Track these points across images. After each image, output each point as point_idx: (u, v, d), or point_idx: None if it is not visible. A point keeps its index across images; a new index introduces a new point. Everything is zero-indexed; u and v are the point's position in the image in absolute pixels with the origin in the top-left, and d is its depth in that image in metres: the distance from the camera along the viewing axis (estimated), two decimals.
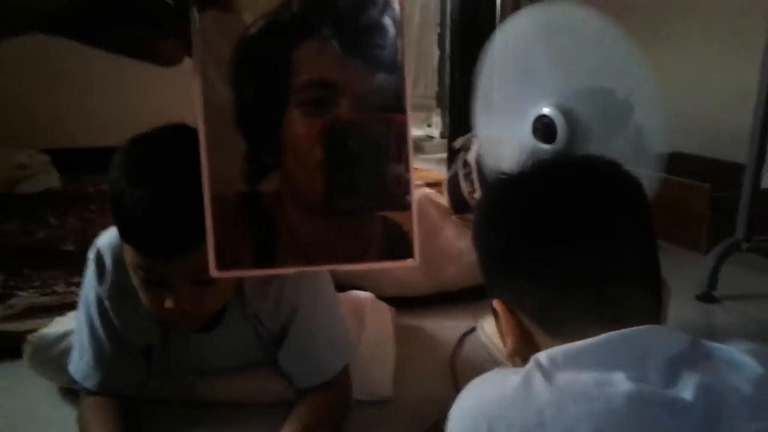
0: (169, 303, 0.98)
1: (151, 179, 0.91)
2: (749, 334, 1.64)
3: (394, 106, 0.59)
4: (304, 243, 0.60)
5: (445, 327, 1.64)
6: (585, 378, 0.59)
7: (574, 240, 0.68)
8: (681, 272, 1.97)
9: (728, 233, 1.87)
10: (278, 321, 1.18)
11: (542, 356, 0.63)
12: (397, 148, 0.59)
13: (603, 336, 0.62)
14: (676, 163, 2.64)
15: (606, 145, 1.39)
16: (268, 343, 1.22)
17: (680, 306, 1.78)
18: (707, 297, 1.83)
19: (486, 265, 0.77)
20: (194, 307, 1.02)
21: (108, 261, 1.11)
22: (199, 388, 1.26)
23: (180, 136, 0.90)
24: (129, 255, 0.99)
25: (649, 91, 1.40)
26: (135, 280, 1.02)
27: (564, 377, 0.60)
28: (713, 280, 1.83)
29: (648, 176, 1.40)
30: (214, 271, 0.58)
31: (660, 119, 1.42)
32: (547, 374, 0.61)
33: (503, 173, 0.77)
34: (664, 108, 1.44)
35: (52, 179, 2.99)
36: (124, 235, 0.97)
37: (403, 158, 0.59)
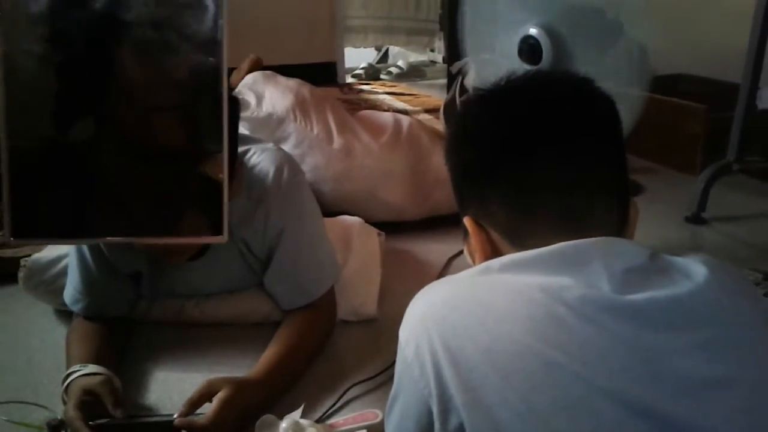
0: None
1: None
2: (736, 256, 1.65)
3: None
4: (123, 198, 0.60)
5: (433, 250, 1.66)
6: (530, 282, 0.60)
7: (542, 153, 0.69)
8: (673, 194, 1.98)
9: (724, 156, 1.86)
10: (265, 245, 1.21)
11: (494, 262, 0.64)
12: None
13: (557, 245, 0.63)
14: (676, 84, 2.61)
15: (593, 65, 1.37)
16: (255, 268, 1.26)
17: (669, 227, 1.79)
18: (696, 218, 1.84)
19: (458, 181, 0.77)
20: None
21: None
22: (187, 309, 1.30)
23: None
24: None
25: (640, 9, 1.37)
26: None
27: (510, 280, 0.62)
28: (703, 202, 1.83)
29: (636, 96, 1.38)
30: (9, 239, 0.57)
31: (650, 39, 1.39)
32: (493, 277, 0.63)
33: (477, 89, 0.77)
34: (667, 31, 1.41)
35: None
36: None
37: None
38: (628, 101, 1.29)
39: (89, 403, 0.98)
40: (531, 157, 0.69)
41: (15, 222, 0.61)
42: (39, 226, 0.62)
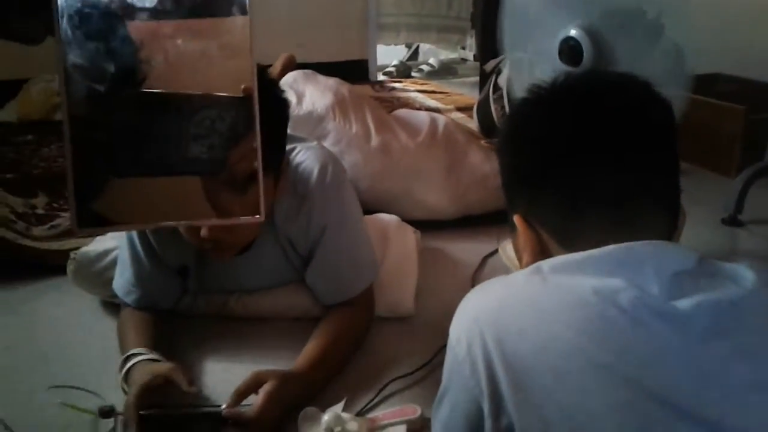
0: (204, 231, 1.04)
1: None
2: None
3: None
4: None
5: (468, 249, 1.67)
6: (583, 284, 0.61)
7: (597, 158, 0.70)
8: (709, 196, 1.96)
9: (762, 158, 1.84)
10: (308, 241, 1.24)
11: (545, 263, 0.66)
12: None
13: (609, 247, 0.64)
14: (714, 84, 2.58)
15: (634, 66, 1.37)
16: (297, 264, 1.28)
17: (705, 229, 1.78)
18: (733, 221, 1.82)
19: (509, 180, 0.79)
20: (228, 236, 1.08)
21: None
22: (230, 303, 1.33)
23: None
24: None
25: (681, 10, 1.36)
26: None
27: (562, 281, 0.63)
28: (740, 204, 1.81)
29: (678, 97, 1.38)
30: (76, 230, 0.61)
31: (691, 39, 1.39)
32: (545, 278, 0.64)
33: (532, 88, 0.77)
34: (704, 29, 1.40)
35: None
36: None
37: None
38: (672, 102, 1.29)
39: (153, 390, 1.01)
40: (586, 162, 0.70)
41: (80, 212, 0.65)
42: (103, 215, 0.66)
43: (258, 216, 0.73)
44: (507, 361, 0.60)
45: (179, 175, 0.71)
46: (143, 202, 0.69)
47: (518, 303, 0.64)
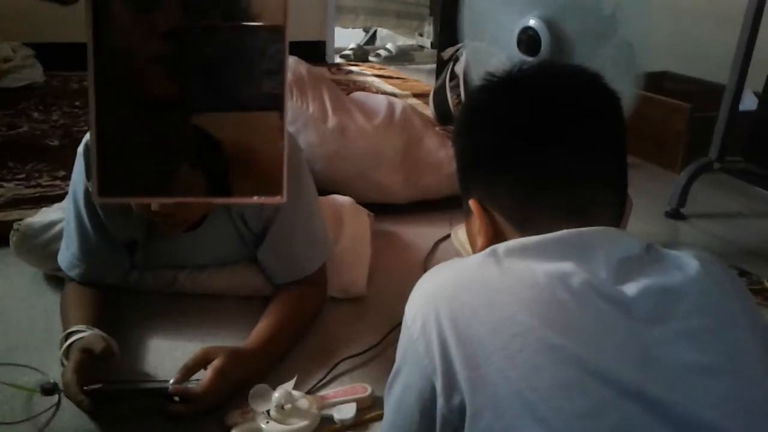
0: (155, 205, 1.01)
1: None
2: (712, 252, 1.69)
3: None
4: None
5: (422, 233, 1.69)
6: (536, 267, 0.63)
7: (551, 144, 0.72)
8: (654, 189, 2.03)
9: (706, 154, 1.91)
10: (261, 219, 1.23)
11: (500, 246, 0.67)
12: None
13: (561, 232, 0.66)
14: (662, 82, 2.66)
15: (589, 59, 1.40)
16: (249, 242, 1.27)
17: (648, 221, 1.84)
18: (675, 214, 1.89)
19: (465, 165, 0.80)
20: (179, 211, 1.06)
21: None
22: (180, 280, 1.31)
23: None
24: None
25: (637, 7, 1.39)
26: None
27: (516, 264, 0.64)
28: (683, 198, 1.88)
29: (628, 93, 1.42)
30: (96, 198, 0.60)
31: (646, 37, 1.42)
32: (500, 261, 0.65)
33: (488, 76, 0.79)
34: (653, 26, 1.43)
35: (36, 73, 2.94)
36: None
37: None
38: (622, 98, 1.32)
39: (87, 364, 0.99)
40: (541, 147, 0.72)
41: (102, 181, 0.65)
42: (125, 185, 0.66)
43: (280, 197, 0.72)
44: (461, 339, 0.61)
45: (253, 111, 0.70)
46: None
47: (473, 284, 0.65)
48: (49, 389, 1.01)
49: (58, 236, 1.27)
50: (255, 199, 0.78)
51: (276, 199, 0.73)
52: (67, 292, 1.21)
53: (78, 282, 1.21)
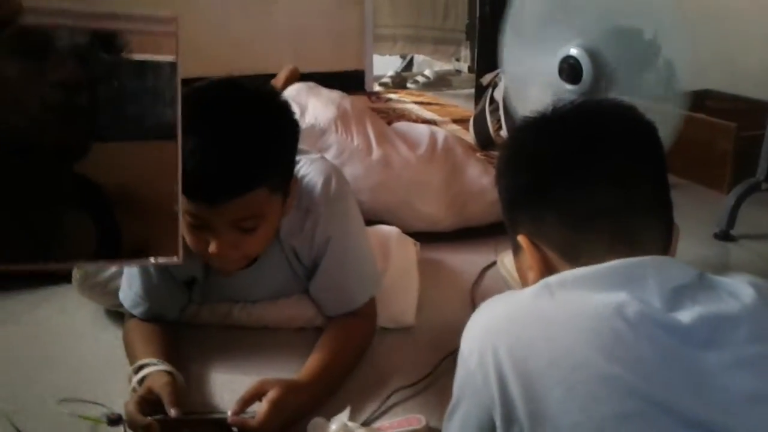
0: (212, 248, 1.06)
1: (201, 131, 0.98)
2: (764, 274, 1.67)
3: None
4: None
5: (467, 261, 1.70)
6: (589, 298, 0.64)
7: (594, 178, 0.74)
8: (702, 211, 2.00)
9: (753, 174, 1.88)
10: (312, 253, 1.26)
11: (552, 278, 0.69)
12: None
13: (613, 262, 0.68)
14: (706, 101, 2.63)
15: (632, 85, 1.41)
16: (301, 275, 1.31)
17: (697, 243, 1.82)
18: (725, 236, 1.86)
19: (511, 201, 0.82)
20: (236, 253, 1.11)
21: None
22: (234, 313, 1.35)
23: (227, 89, 1.06)
24: None
25: (677, 30, 1.40)
26: (182, 222, 1.08)
27: (570, 296, 0.66)
28: (731, 219, 1.85)
29: (672, 114, 1.42)
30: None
31: (687, 58, 1.42)
32: (553, 293, 0.67)
33: (529, 114, 0.82)
34: (695, 46, 1.43)
35: None
36: None
37: None
38: (667, 119, 1.33)
39: (150, 400, 1.02)
40: (582, 182, 0.74)
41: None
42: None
43: (176, 257, 0.75)
44: (518, 371, 0.63)
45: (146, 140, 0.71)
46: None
47: (528, 317, 0.67)
48: (114, 420, 1.05)
49: (119, 273, 1.32)
50: (151, 260, 0.78)
51: (173, 261, 0.74)
52: (130, 327, 1.25)
53: (139, 318, 1.25)
